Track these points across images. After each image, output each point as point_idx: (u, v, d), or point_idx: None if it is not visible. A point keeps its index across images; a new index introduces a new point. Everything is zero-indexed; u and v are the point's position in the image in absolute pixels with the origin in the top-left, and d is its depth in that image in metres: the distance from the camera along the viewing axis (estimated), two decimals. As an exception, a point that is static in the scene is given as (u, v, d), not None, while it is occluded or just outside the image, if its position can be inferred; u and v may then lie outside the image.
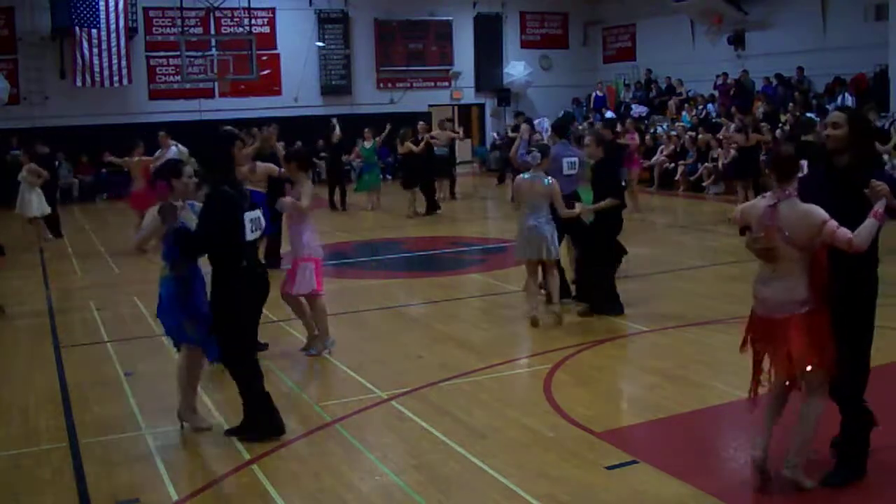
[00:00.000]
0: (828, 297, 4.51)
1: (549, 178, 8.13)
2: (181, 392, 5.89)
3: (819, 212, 4.35)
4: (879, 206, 4.29)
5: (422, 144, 17.62)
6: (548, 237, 8.09)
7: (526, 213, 8.18)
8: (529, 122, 17.85)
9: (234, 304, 5.48)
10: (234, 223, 5.46)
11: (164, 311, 5.89)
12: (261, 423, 5.64)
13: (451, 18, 27.38)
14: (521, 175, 8.42)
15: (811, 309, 4.48)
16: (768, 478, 4.65)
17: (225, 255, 5.47)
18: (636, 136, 18.17)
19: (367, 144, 18.76)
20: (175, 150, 13.91)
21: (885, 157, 13.42)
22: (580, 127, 16.97)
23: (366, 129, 19.14)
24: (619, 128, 17.35)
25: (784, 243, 4.43)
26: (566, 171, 8.84)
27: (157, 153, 14.34)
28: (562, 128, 9.74)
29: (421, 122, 18.70)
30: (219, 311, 5.51)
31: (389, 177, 23.85)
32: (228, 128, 9.86)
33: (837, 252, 4.38)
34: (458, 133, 21.32)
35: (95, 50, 22.50)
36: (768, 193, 4.64)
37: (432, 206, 17.69)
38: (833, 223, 4.30)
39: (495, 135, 27.48)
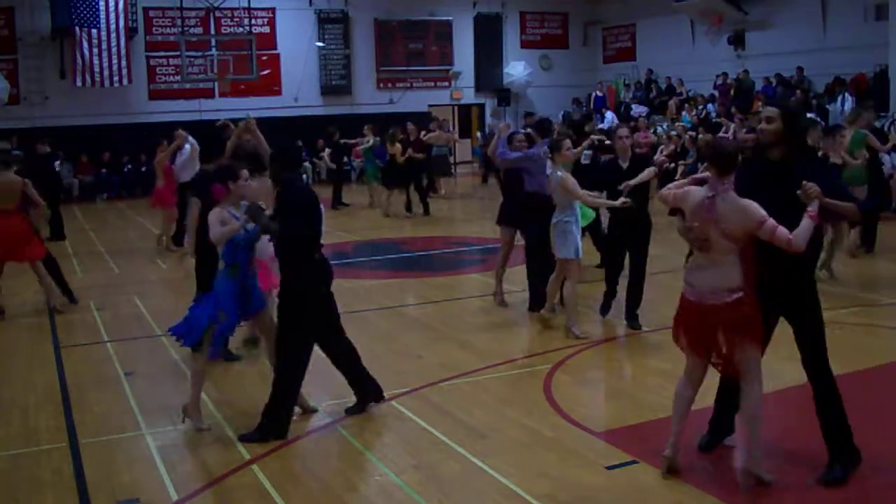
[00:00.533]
0: (760, 286, 4.59)
1: (561, 171, 7.86)
2: (195, 389, 5.90)
3: (757, 210, 4.43)
4: (813, 208, 4.40)
5: (408, 153, 17.70)
6: (556, 235, 7.90)
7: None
8: (538, 118, 17.86)
9: (303, 297, 5.63)
10: (316, 216, 5.68)
11: (212, 302, 5.74)
12: (272, 420, 5.66)
13: (451, 18, 27.38)
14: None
15: (741, 297, 4.53)
16: (677, 472, 4.80)
17: (302, 248, 5.63)
18: (650, 135, 18.19)
19: (368, 143, 18.85)
20: (188, 147, 13.82)
21: (886, 157, 13.38)
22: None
23: (365, 127, 19.24)
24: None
25: (719, 235, 4.51)
26: (549, 170, 8.73)
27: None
28: (543, 127, 9.66)
29: (409, 123, 18.79)
30: (286, 302, 5.64)
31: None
32: (223, 120, 9.90)
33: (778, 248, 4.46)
34: (456, 137, 21.48)
35: (95, 50, 22.51)
36: (705, 182, 4.68)
37: (410, 207, 17.91)
38: (771, 222, 4.39)
39: (478, 134, 27.48)
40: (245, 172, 5.97)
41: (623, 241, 8.26)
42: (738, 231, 4.49)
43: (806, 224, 4.39)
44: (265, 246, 7.54)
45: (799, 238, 4.37)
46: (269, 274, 7.53)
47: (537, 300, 8.66)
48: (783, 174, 4.56)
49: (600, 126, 23.06)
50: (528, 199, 8.82)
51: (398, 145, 17.75)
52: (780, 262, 4.51)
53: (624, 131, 8.27)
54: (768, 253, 4.50)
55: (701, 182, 4.73)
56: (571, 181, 7.83)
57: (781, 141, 4.61)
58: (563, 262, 7.99)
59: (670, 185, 4.95)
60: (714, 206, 4.51)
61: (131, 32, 23.19)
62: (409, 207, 17.79)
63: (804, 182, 4.38)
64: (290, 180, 5.72)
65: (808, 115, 16.89)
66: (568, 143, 8.15)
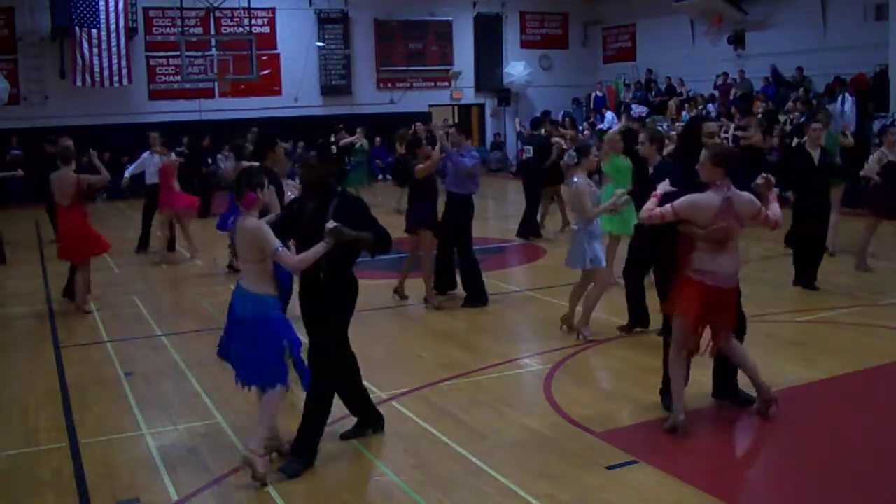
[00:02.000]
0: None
1: (576, 177, 7.60)
2: (268, 430, 5.23)
3: (755, 199, 5.36)
4: (773, 195, 5.47)
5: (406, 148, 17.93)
6: (572, 244, 7.78)
7: None
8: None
9: (348, 306, 5.34)
10: None
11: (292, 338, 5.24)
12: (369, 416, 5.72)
13: (451, 18, 27.38)
14: None
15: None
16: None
17: (351, 256, 5.31)
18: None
19: (359, 143, 18.88)
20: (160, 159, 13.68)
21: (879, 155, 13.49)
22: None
23: (358, 129, 19.29)
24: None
25: (737, 226, 5.30)
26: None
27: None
28: (467, 130, 9.76)
29: (418, 123, 18.85)
30: (342, 310, 5.31)
31: (389, 176, 23.86)
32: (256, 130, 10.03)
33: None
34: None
35: (95, 50, 22.50)
36: (672, 196, 5.32)
37: None
38: (764, 208, 5.39)
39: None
40: (265, 180, 5.45)
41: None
42: (747, 218, 5.33)
43: (776, 206, 5.47)
44: None
45: (780, 218, 5.47)
46: None
47: (469, 297, 9.31)
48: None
49: (600, 126, 23.13)
50: (453, 199, 9.30)
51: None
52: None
53: (642, 137, 7.24)
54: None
55: (672, 196, 5.30)
56: (585, 192, 7.60)
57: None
58: (585, 270, 7.86)
59: (649, 206, 5.37)
60: (733, 204, 5.23)
61: (131, 32, 23.17)
62: (399, 203, 17.92)
63: (762, 174, 5.49)
64: (343, 190, 5.38)
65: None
66: (594, 148, 8.00)
